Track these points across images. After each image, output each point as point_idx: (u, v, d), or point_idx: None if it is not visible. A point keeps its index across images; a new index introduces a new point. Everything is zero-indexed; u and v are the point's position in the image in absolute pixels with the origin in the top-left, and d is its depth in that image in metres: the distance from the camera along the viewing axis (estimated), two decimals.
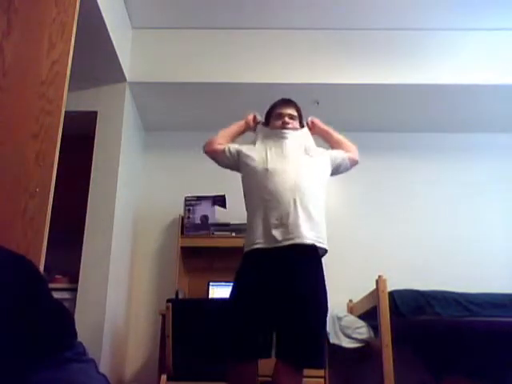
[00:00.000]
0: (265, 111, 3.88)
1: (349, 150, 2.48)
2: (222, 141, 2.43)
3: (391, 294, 2.80)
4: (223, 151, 2.38)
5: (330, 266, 3.67)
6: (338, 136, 2.57)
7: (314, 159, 2.27)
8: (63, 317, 1.09)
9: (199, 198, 3.72)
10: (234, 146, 2.39)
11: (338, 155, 2.43)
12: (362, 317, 3.26)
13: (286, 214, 2.07)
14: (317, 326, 2.01)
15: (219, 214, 3.73)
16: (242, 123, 2.54)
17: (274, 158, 2.22)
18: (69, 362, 1.02)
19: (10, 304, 0.95)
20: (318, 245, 2.10)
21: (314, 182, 2.19)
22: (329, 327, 3.19)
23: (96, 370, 1.09)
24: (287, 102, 2.45)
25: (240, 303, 2.06)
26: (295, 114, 2.41)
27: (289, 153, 2.25)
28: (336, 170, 2.40)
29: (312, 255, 2.08)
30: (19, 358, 0.95)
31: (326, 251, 2.16)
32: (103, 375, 1.10)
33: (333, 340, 3.16)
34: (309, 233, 2.07)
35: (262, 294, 2.02)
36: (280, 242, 2.05)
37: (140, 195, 3.98)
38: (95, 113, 3.44)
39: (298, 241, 2.05)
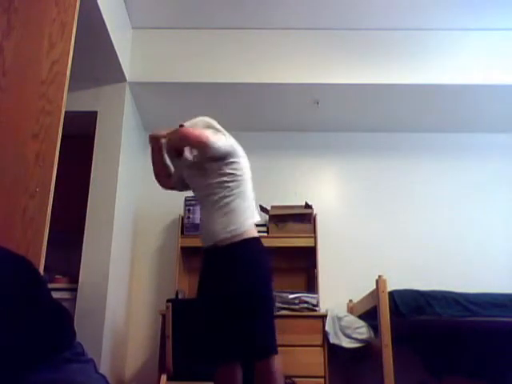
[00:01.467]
0: (264, 111, 3.89)
1: (192, 144, 2.24)
2: (163, 174, 2.47)
3: (391, 294, 2.80)
4: (175, 187, 2.56)
5: (330, 265, 3.73)
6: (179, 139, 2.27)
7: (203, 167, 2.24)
8: (62, 317, 1.09)
9: None
10: (175, 181, 2.47)
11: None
12: (362, 317, 3.26)
13: (200, 221, 2.32)
14: (246, 318, 2.05)
15: None
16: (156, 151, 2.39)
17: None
18: (67, 363, 1.02)
19: (9, 304, 0.94)
20: (227, 236, 2.13)
21: (208, 188, 2.21)
22: (329, 327, 3.19)
23: (95, 370, 1.09)
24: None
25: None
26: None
27: (192, 169, 2.32)
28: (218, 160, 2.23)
29: (226, 252, 2.14)
30: (18, 358, 0.95)
31: (242, 240, 2.13)
32: (102, 375, 1.10)
33: (333, 340, 3.16)
34: (217, 232, 2.14)
35: (204, 298, 2.24)
36: (204, 245, 2.25)
37: (140, 195, 3.97)
38: (95, 113, 3.44)
39: (210, 243, 2.19)
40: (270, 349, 2.03)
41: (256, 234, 2.20)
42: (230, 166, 2.20)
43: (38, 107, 1.92)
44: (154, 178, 2.52)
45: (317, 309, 3.36)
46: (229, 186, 2.17)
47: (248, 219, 2.17)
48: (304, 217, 3.65)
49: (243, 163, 2.26)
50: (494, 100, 3.70)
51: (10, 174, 1.83)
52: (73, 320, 1.16)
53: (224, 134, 2.28)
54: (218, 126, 2.32)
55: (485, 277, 3.64)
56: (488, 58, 3.58)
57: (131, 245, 3.78)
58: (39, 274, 1.14)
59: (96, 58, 3.18)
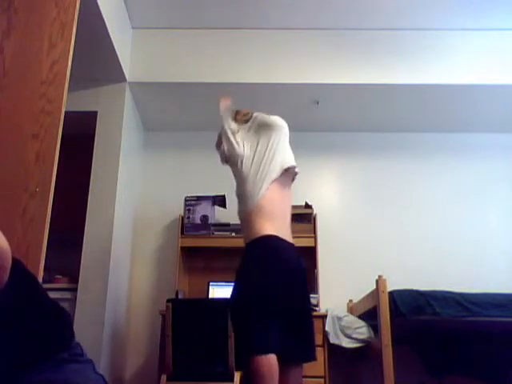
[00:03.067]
0: (264, 111, 3.89)
1: None
2: None
3: (391, 294, 2.80)
4: None
5: (330, 265, 3.73)
6: None
7: None
8: (60, 318, 1.09)
9: (199, 198, 3.72)
10: None
11: None
12: (361, 317, 3.26)
13: None
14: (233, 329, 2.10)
15: (219, 214, 3.73)
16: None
17: None
18: (65, 363, 1.02)
19: (6, 306, 0.94)
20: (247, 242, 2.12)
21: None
22: (329, 327, 3.20)
23: (94, 371, 1.08)
24: None
25: None
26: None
27: None
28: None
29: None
30: (16, 358, 0.95)
31: (252, 241, 2.09)
32: (101, 375, 1.10)
33: (333, 340, 3.16)
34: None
35: None
36: None
37: (140, 195, 3.98)
38: (95, 113, 3.44)
39: None
40: (241, 361, 2.05)
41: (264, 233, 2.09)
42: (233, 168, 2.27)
43: (38, 107, 1.92)
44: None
45: (317, 309, 3.36)
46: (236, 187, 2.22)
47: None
48: (304, 217, 3.65)
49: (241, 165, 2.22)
50: (494, 100, 3.70)
51: (10, 174, 1.84)
52: (71, 321, 1.15)
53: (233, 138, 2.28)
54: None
55: (485, 277, 3.65)
56: (488, 58, 3.58)
57: (131, 245, 3.78)
58: (34, 276, 1.14)
59: (96, 58, 3.18)
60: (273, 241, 2.09)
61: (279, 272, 2.05)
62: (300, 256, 2.26)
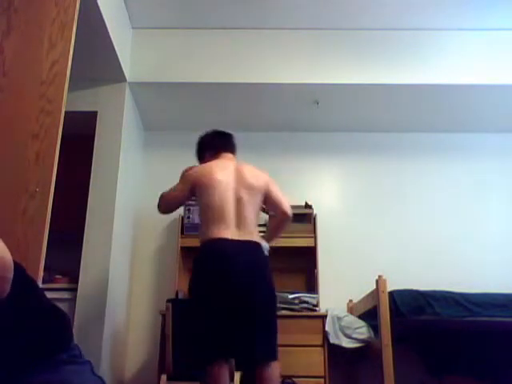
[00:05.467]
0: (264, 111, 3.90)
1: None
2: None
3: (391, 294, 2.80)
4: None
5: (330, 265, 3.73)
6: None
7: None
8: (59, 320, 1.09)
9: None
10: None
11: None
12: (361, 317, 3.26)
13: None
14: None
15: None
16: None
17: None
18: (63, 365, 1.02)
19: (5, 307, 0.94)
20: None
21: None
22: (329, 327, 3.20)
23: (92, 372, 1.09)
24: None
25: None
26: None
27: None
28: None
29: None
30: (14, 360, 0.95)
31: None
32: (99, 377, 1.10)
33: (333, 340, 3.16)
34: None
35: None
36: None
37: (140, 195, 3.97)
38: (95, 113, 3.44)
39: None
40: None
41: (209, 237, 2.47)
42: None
43: (38, 107, 1.92)
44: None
45: (317, 309, 3.37)
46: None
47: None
48: (304, 217, 3.65)
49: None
50: (493, 100, 3.70)
51: (9, 174, 1.84)
52: (70, 322, 1.15)
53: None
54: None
55: (485, 277, 3.65)
56: (487, 58, 3.58)
57: (131, 245, 3.78)
58: (33, 278, 1.14)
59: (96, 58, 3.18)
60: (206, 245, 2.50)
61: (208, 274, 2.39)
62: (251, 253, 2.42)
